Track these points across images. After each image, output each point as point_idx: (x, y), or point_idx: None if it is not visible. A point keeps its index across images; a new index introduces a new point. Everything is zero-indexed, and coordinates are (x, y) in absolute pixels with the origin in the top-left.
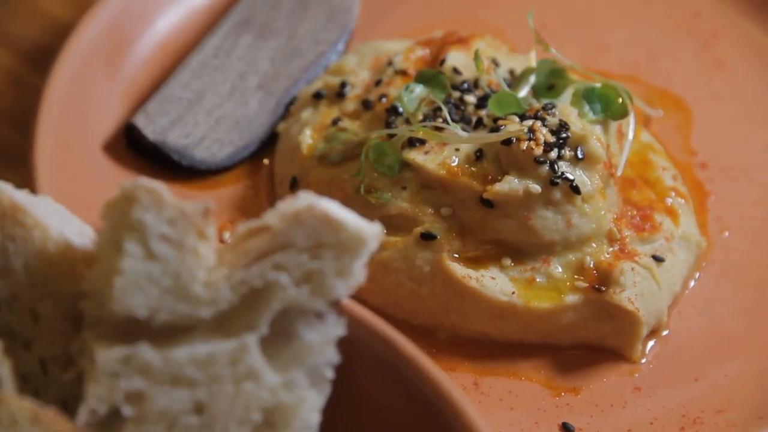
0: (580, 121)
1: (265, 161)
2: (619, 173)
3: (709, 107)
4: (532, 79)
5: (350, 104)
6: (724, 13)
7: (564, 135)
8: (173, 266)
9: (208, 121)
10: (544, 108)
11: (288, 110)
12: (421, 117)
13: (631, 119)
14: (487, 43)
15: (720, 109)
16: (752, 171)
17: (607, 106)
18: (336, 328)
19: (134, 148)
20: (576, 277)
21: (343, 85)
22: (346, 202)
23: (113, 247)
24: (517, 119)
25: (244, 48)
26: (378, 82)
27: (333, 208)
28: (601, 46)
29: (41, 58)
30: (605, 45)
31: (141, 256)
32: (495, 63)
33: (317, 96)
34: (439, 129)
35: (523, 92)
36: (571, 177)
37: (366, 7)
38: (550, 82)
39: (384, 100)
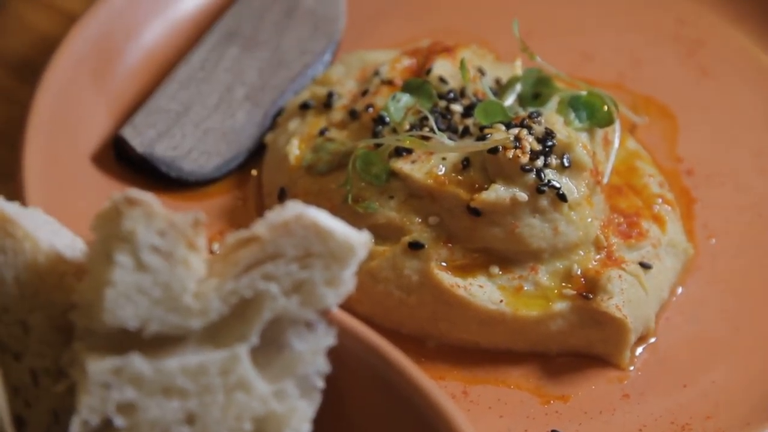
0: (565, 129)
1: (254, 172)
2: (605, 180)
3: (694, 114)
4: (518, 87)
5: (337, 114)
6: (709, 20)
7: (550, 143)
8: (164, 277)
9: (195, 132)
10: (530, 116)
11: (275, 121)
12: (407, 126)
13: (617, 127)
14: (473, 52)
15: (705, 116)
16: (738, 177)
17: (593, 113)
18: (326, 338)
19: (122, 160)
20: (563, 284)
21: (330, 95)
22: (334, 211)
23: (104, 259)
24: (503, 128)
25: (230, 60)
26: (365, 92)
27: (322, 217)
28: (586, 54)
29: (29, 72)
30: (590, 53)
31: (131, 267)
32: (481, 72)
33: (304, 106)
34: (425, 138)
35: (509, 101)
36: (558, 185)
37: (352, 17)
38: (536, 91)
39: (371, 109)
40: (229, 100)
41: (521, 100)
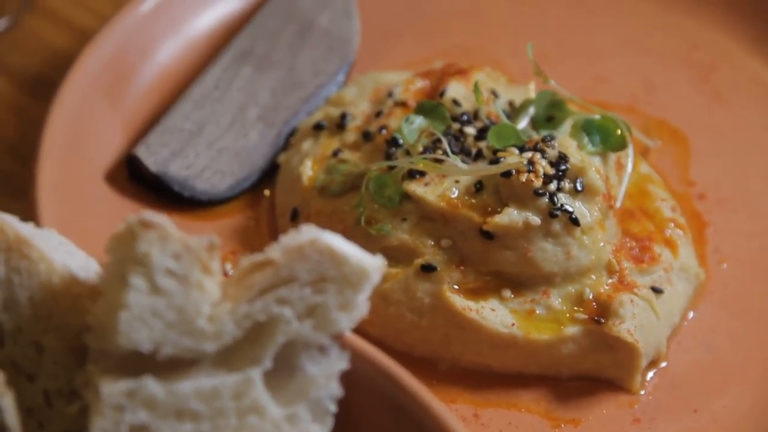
0: (579, 153)
1: (266, 192)
2: (618, 205)
3: (707, 138)
4: (532, 110)
5: (350, 135)
6: (722, 45)
7: (563, 167)
8: (178, 300)
9: (209, 152)
10: (544, 140)
11: (288, 141)
12: (421, 149)
13: (630, 151)
14: (487, 75)
15: (718, 141)
16: (750, 202)
17: (606, 137)
18: (339, 362)
19: (135, 179)
20: (575, 308)
21: (343, 116)
22: (347, 233)
23: (118, 281)
24: (516, 151)
25: (244, 79)
26: (378, 114)
27: (336, 241)
28: (599, 77)
29: (43, 88)
30: (604, 76)
31: (146, 290)
32: (494, 94)
33: (317, 127)
34: (438, 161)
35: (523, 124)
36: (571, 209)
37: (366, 38)
38: (550, 114)
39: (384, 131)
40: (242, 119)
41: (534, 123)
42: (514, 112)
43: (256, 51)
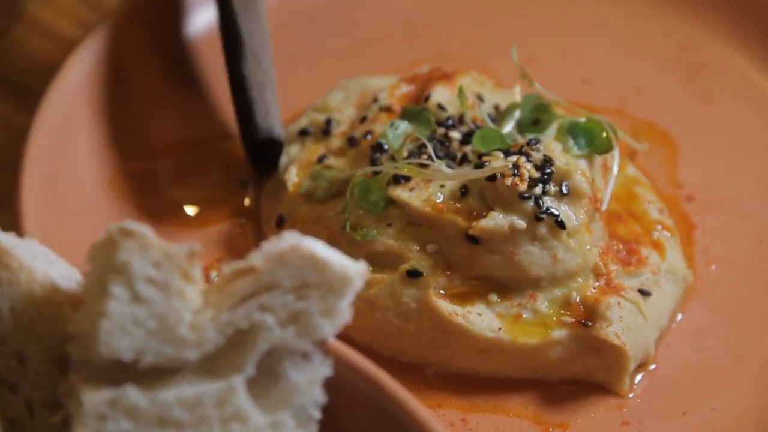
0: (564, 156)
1: (246, 201)
2: (604, 207)
3: (695, 140)
4: (517, 114)
5: (336, 141)
6: (710, 45)
7: (548, 170)
8: (159, 309)
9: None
10: (529, 143)
11: None
12: (405, 154)
13: (616, 153)
14: (472, 79)
15: (706, 142)
16: (738, 203)
17: (592, 140)
18: (322, 369)
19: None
20: (562, 312)
21: (328, 122)
22: (332, 239)
23: (99, 290)
24: (501, 155)
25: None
26: (363, 119)
27: (318, 247)
28: (586, 80)
29: (29, 98)
30: (591, 79)
31: (127, 298)
32: (480, 98)
33: (303, 133)
34: (423, 166)
35: (508, 128)
36: (556, 212)
37: (352, 43)
38: (535, 117)
39: (369, 137)
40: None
41: (520, 127)
42: (499, 115)
43: None
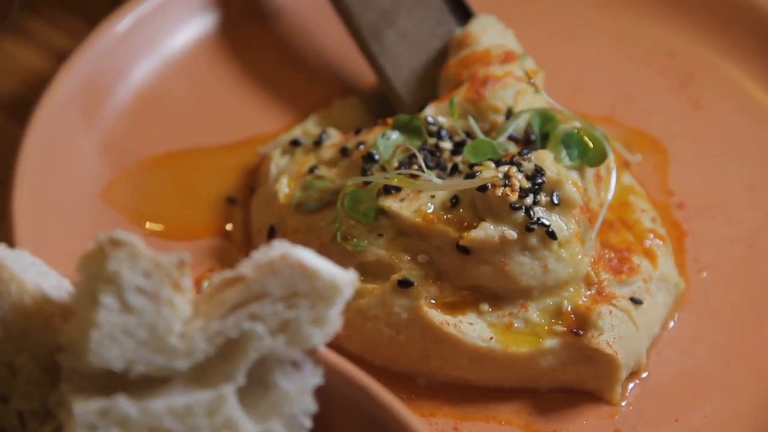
0: (555, 166)
1: (228, 226)
2: (600, 218)
3: (685, 147)
4: (516, 124)
5: (327, 152)
6: (700, 52)
7: (539, 180)
8: (149, 318)
9: None
10: (520, 153)
11: None
12: (396, 164)
13: (613, 165)
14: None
15: (697, 149)
16: (729, 210)
17: (585, 152)
18: (313, 377)
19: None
20: (554, 321)
21: (321, 133)
22: (323, 249)
23: (89, 300)
24: (492, 165)
25: None
26: (358, 130)
27: (307, 256)
28: (576, 88)
29: (21, 109)
30: (581, 87)
31: (117, 308)
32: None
33: (294, 144)
34: (414, 176)
35: (502, 138)
36: (547, 222)
37: (345, 54)
38: (545, 131)
39: (362, 147)
40: None
41: (531, 142)
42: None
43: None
